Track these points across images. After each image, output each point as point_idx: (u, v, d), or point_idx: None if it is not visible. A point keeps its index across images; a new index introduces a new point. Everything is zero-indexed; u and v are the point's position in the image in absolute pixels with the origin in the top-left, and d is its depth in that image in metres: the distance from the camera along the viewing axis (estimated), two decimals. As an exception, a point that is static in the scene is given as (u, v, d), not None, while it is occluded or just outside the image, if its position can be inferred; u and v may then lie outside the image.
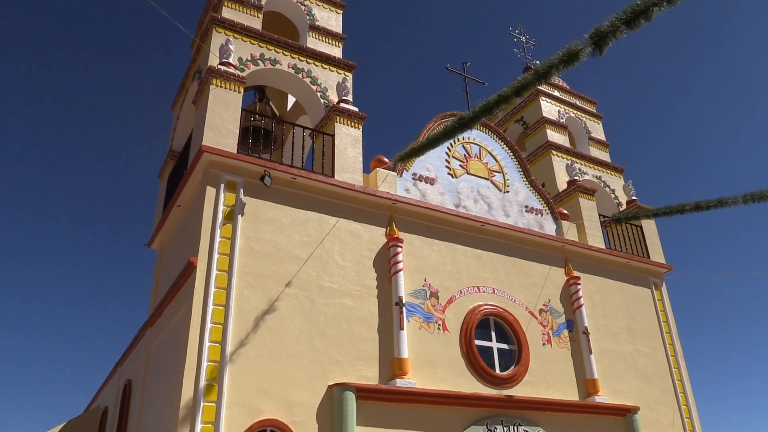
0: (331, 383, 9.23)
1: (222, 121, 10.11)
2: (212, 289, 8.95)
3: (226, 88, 10.39)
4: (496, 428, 10.38)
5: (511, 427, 10.56)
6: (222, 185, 9.67)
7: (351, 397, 9.07)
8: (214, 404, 8.31)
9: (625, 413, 12.09)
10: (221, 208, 9.52)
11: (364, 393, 9.24)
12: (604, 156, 16.87)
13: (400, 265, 10.53)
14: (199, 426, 8.08)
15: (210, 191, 9.58)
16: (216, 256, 9.18)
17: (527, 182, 13.63)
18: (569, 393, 11.74)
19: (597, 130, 17.43)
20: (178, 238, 11.41)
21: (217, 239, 9.30)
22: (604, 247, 13.97)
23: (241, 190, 9.79)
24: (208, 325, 8.70)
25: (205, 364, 8.45)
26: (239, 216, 9.60)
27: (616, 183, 16.26)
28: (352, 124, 11.51)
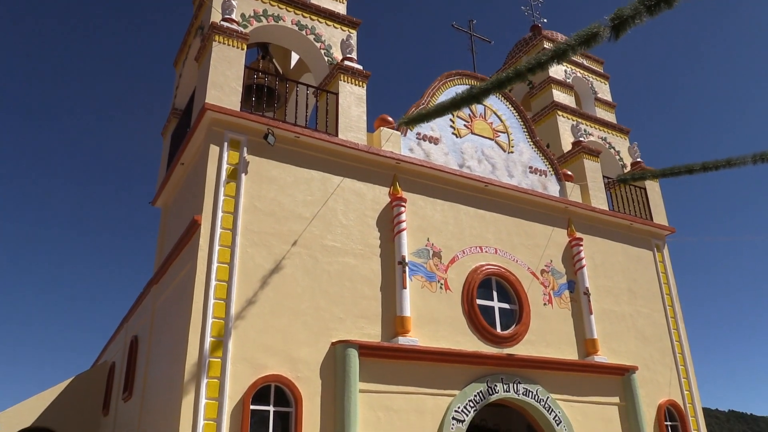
0: (334, 340, 9.38)
1: (225, 79, 10.02)
2: (216, 247, 9.02)
3: (228, 45, 10.27)
4: (496, 386, 10.57)
5: (511, 385, 10.75)
6: (225, 143, 9.65)
7: (354, 354, 9.22)
8: (219, 360, 8.47)
9: (623, 373, 12.28)
10: (225, 166, 9.51)
11: (366, 350, 9.39)
12: (610, 117, 16.72)
13: (403, 225, 10.57)
14: (204, 381, 8.25)
15: (213, 149, 9.56)
16: (220, 214, 9.22)
17: (532, 143, 13.56)
18: (568, 352, 11.90)
19: (603, 90, 17.24)
20: (182, 196, 11.44)
21: (221, 197, 9.33)
22: (607, 209, 13.97)
23: (245, 149, 9.78)
24: (213, 283, 8.80)
25: (210, 320, 8.58)
26: (243, 174, 9.60)
27: (621, 144, 16.16)
28: (357, 82, 11.40)
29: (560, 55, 4.48)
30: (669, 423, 12.88)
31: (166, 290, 10.73)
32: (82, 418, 15.41)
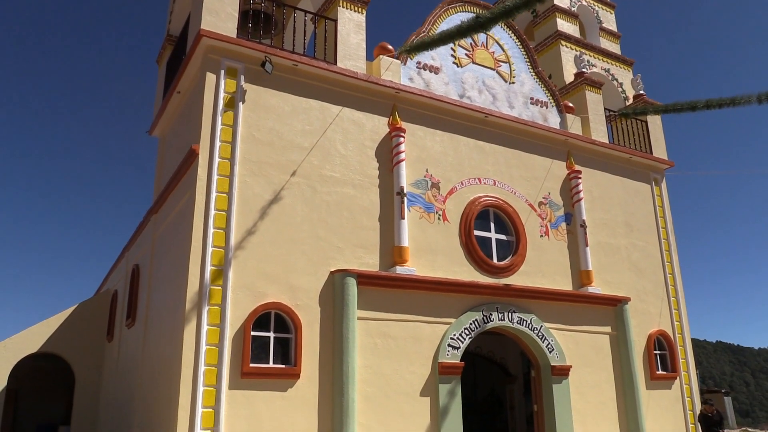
0: (332, 269, 9.51)
1: (221, 4, 9.74)
2: (215, 177, 9.01)
3: (223, -33, 9.90)
4: (491, 314, 10.81)
5: (506, 314, 10.99)
6: (222, 71, 9.48)
7: (352, 283, 9.38)
8: (220, 288, 8.61)
9: (615, 303, 12.55)
10: (222, 95, 9.38)
11: (364, 279, 9.55)
12: (614, 48, 16.39)
13: (402, 155, 10.53)
14: (206, 308, 8.42)
15: (210, 77, 9.40)
16: (218, 143, 9.16)
17: (534, 73, 13.34)
18: (563, 283, 12.11)
19: (609, 20, 16.82)
20: (179, 126, 11.33)
21: (219, 127, 9.24)
22: (607, 142, 13.90)
23: (242, 77, 9.61)
24: (212, 212, 8.85)
25: (210, 249, 8.67)
26: (240, 103, 9.48)
27: (624, 76, 15.91)
28: (356, 8, 11.10)
29: None
30: (658, 352, 13.27)
31: (166, 220, 10.80)
32: (87, 343, 15.80)
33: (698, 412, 13.12)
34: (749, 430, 22.52)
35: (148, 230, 12.24)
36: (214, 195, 8.92)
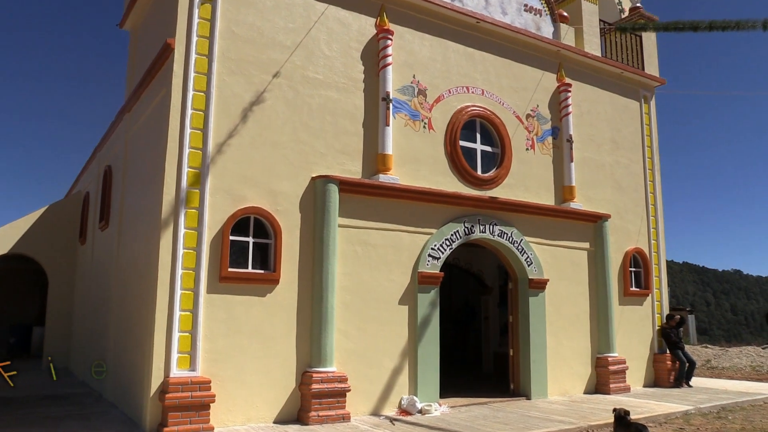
0: (314, 175, 9.32)
1: None
2: (192, 74, 8.58)
3: None
4: (473, 226, 10.82)
5: (488, 226, 11.01)
6: (198, -42, 8.82)
7: (334, 189, 9.23)
8: (197, 191, 8.40)
9: (596, 220, 12.65)
10: (199, -16, 8.77)
11: (346, 186, 9.40)
12: (613, -45, 15.70)
13: (389, 59, 10.14)
14: (183, 211, 8.23)
15: (186, -36, 8.76)
16: (195, 38, 8.67)
17: (529, -22, 12.74)
18: (546, 197, 12.11)
19: (609, -76, 16.01)
20: (153, 18, 10.72)
21: (195, 20, 8.72)
22: (599, 55, 13.56)
23: (220, -35, 8.97)
24: (189, 112, 8.48)
25: (187, 150, 8.38)
26: (219, -5, 8.90)
27: (621, -14, 15.33)
28: None
29: None
30: (633, 269, 13.54)
31: (140, 118, 10.40)
32: (60, 245, 15.64)
33: (662, 327, 13.60)
34: (708, 346, 23.62)
35: (120, 130, 11.83)
36: (191, 93, 8.52)
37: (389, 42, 10.20)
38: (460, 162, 10.92)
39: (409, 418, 9.14)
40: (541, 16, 12.74)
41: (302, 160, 9.29)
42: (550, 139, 12.42)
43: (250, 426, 8.31)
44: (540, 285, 11.57)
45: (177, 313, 7.96)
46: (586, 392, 12.04)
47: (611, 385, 12.03)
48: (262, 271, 8.79)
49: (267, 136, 9.05)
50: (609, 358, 12.21)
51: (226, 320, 8.37)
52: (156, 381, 7.78)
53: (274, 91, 9.20)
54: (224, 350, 8.30)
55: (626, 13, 15.02)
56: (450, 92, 11.06)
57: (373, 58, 10.19)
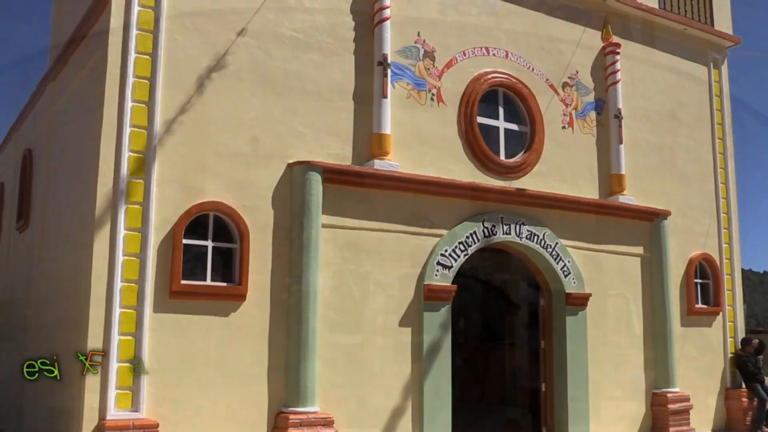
0: (291, 161, 9.36)
1: None
2: (133, 32, 8.60)
3: None
4: (494, 226, 10.87)
5: (513, 226, 11.05)
6: None
7: (316, 179, 9.27)
8: (141, 181, 8.42)
9: (652, 218, 12.71)
10: None
11: (332, 174, 9.44)
12: None
13: (387, 13, 10.18)
14: (123, 207, 8.26)
15: None
16: (137, -16, 8.71)
17: None
18: (587, 189, 12.18)
19: None
20: (83, -40, 10.75)
21: (137, -37, 8.75)
22: (656, 7, 13.61)
23: None
24: (130, 80, 8.51)
25: (127, 129, 8.41)
26: (167, -70, 8.94)
27: None
28: None
29: None
30: (699, 281, 13.60)
31: (67, 90, 10.49)
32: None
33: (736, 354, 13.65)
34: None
35: (43, 103, 11.91)
36: (132, 57, 8.54)
37: (387, -10, 10.26)
38: (477, 144, 10.97)
39: (412, 472, 9.19)
40: (581, -44, 12.80)
41: (276, 142, 9.33)
42: (593, 114, 12.47)
43: (210, 482, 8.36)
44: (580, 301, 11.64)
45: (115, 338, 7.99)
46: (638, 438, 12.12)
47: (671, 429, 12.11)
48: (224, 284, 8.84)
49: (231, 112, 9.07)
50: (668, 395, 12.28)
51: (179, 347, 8.41)
52: (88, 425, 7.79)
53: (239, 53, 9.23)
54: (176, 385, 8.33)
55: (691, -47, 15.07)
56: (465, 55, 11.11)
57: (367, 11, 10.24)
